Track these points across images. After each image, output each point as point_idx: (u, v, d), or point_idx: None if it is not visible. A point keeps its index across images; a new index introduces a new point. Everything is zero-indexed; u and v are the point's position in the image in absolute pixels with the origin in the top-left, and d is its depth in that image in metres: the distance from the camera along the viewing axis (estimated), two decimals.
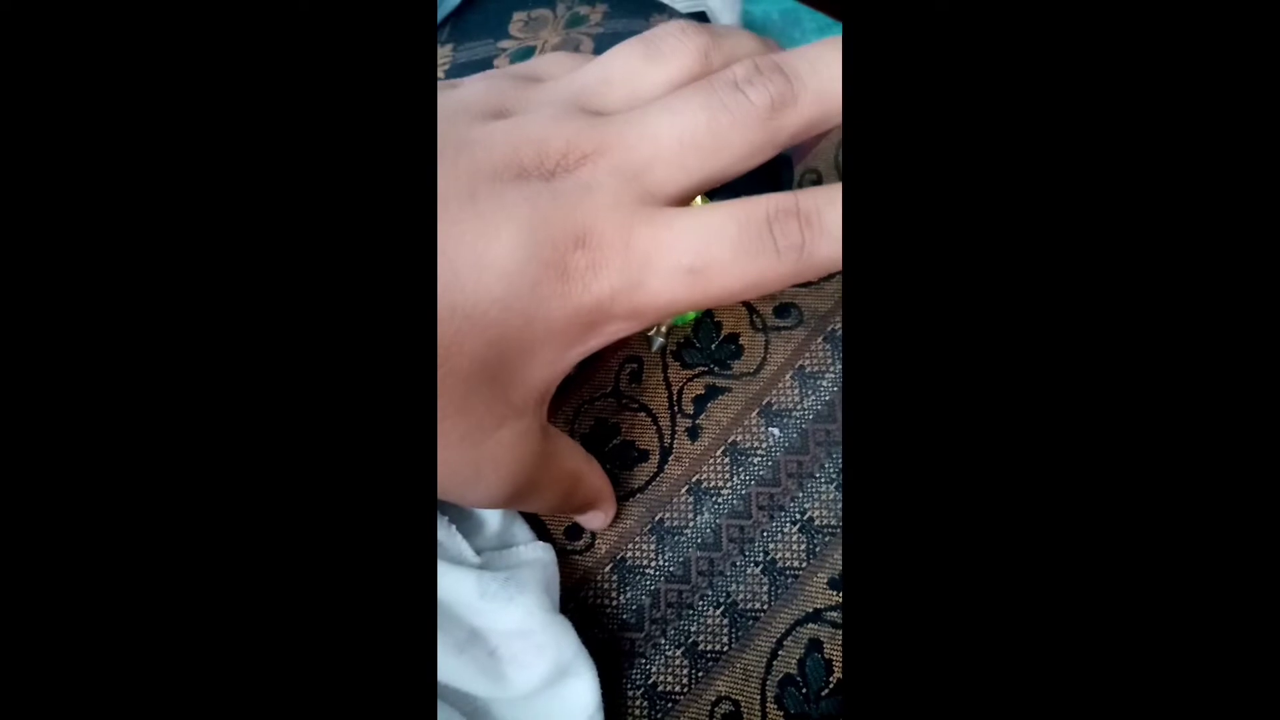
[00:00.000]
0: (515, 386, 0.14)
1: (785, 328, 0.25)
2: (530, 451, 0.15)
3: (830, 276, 0.25)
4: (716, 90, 0.14)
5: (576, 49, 0.33)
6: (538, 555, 0.21)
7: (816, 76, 0.14)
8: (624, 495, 0.23)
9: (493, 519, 0.20)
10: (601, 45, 0.32)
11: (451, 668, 0.18)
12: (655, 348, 0.25)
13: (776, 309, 0.25)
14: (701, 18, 0.65)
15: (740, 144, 0.14)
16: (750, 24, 0.61)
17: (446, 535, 0.19)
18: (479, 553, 0.20)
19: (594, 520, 0.22)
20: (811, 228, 0.13)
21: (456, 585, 0.18)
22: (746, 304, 0.25)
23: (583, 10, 0.34)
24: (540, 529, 0.23)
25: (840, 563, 0.22)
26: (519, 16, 0.34)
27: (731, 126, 0.14)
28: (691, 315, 0.25)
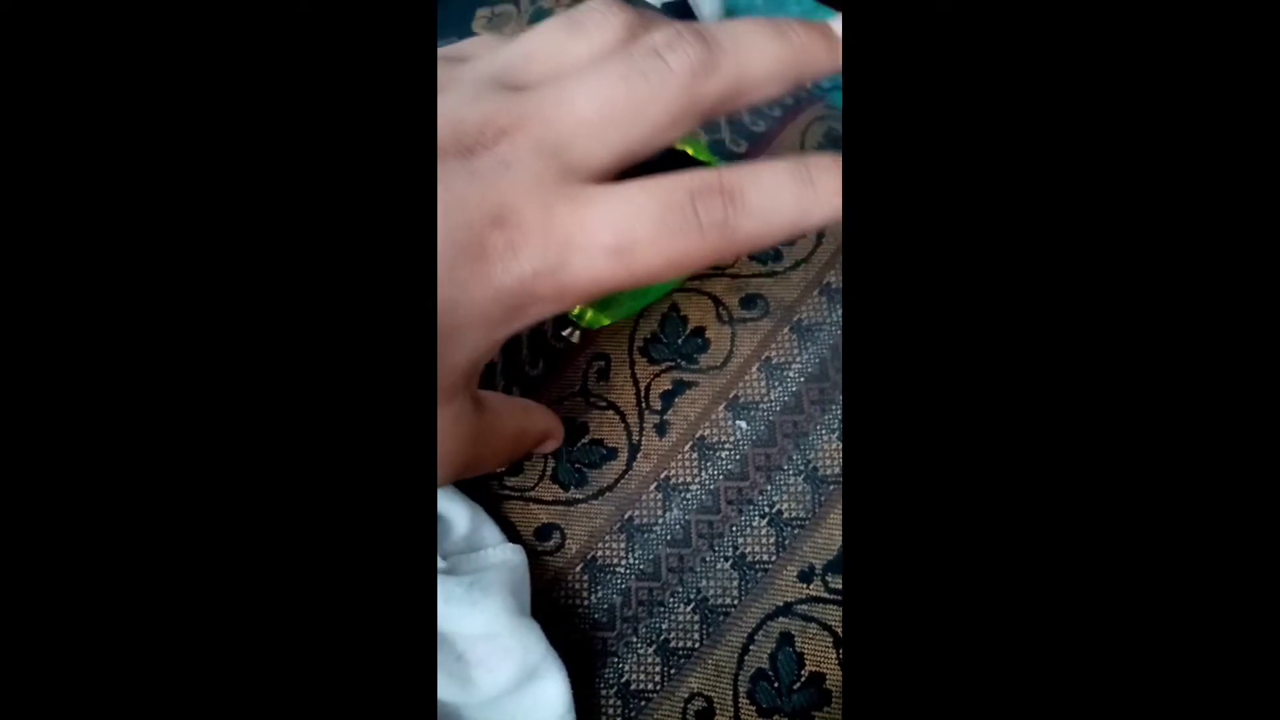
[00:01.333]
0: (442, 373, 0.13)
1: (751, 319, 0.24)
2: (466, 432, 0.15)
3: (796, 265, 0.25)
4: (635, 58, 0.14)
5: None
6: (506, 557, 0.21)
7: (737, 46, 0.14)
8: (594, 494, 0.23)
9: (460, 521, 0.20)
10: None
11: None
12: (568, 332, 0.24)
13: (743, 300, 0.25)
14: (683, 9, 0.64)
15: (660, 112, 0.14)
16: (733, 12, 0.61)
17: None
18: (445, 557, 0.20)
19: (548, 448, 0.22)
20: (735, 204, 0.13)
21: None
22: (712, 296, 0.25)
23: (546, 4, 0.34)
24: (510, 531, 0.23)
25: (809, 555, 0.22)
26: (482, 13, 0.34)
27: (651, 95, 0.14)
28: (622, 312, 0.24)
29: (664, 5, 0.65)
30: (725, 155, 0.27)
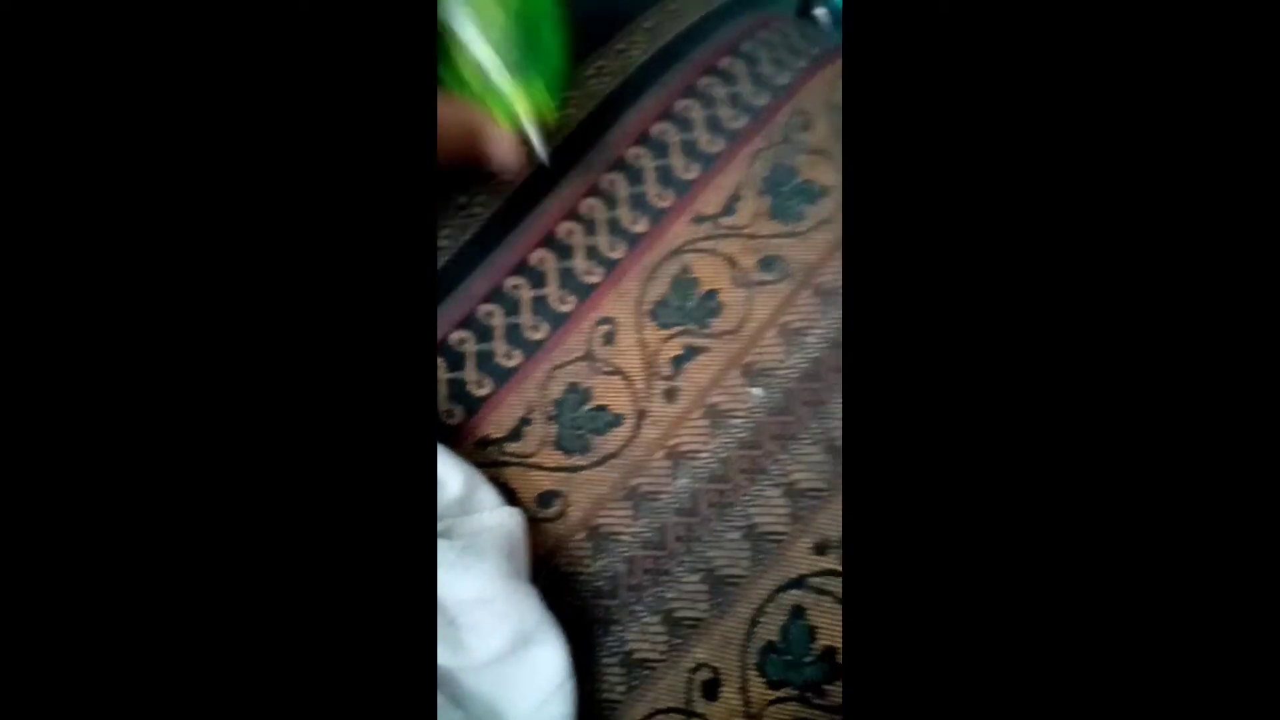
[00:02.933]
0: None
1: (770, 281, 0.23)
2: None
3: (819, 225, 0.24)
4: None
5: None
6: (501, 521, 0.20)
7: None
8: (597, 460, 0.22)
9: (454, 484, 0.20)
10: None
11: None
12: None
13: (761, 262, 0.23)
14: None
15: None
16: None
17: None
18: (439, 519, 0.19)
19: (502, 146, 0.22)
20: None
21: None
22: (727, 257, 0.24)
23: None
24: (511, 498, 0.22)
25: (824, 527, 0.21)
26: None
27: None
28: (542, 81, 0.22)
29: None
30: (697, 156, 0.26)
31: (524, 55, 0.21)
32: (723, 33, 0.28)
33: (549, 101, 0.22)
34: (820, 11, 0.71)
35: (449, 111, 0.20)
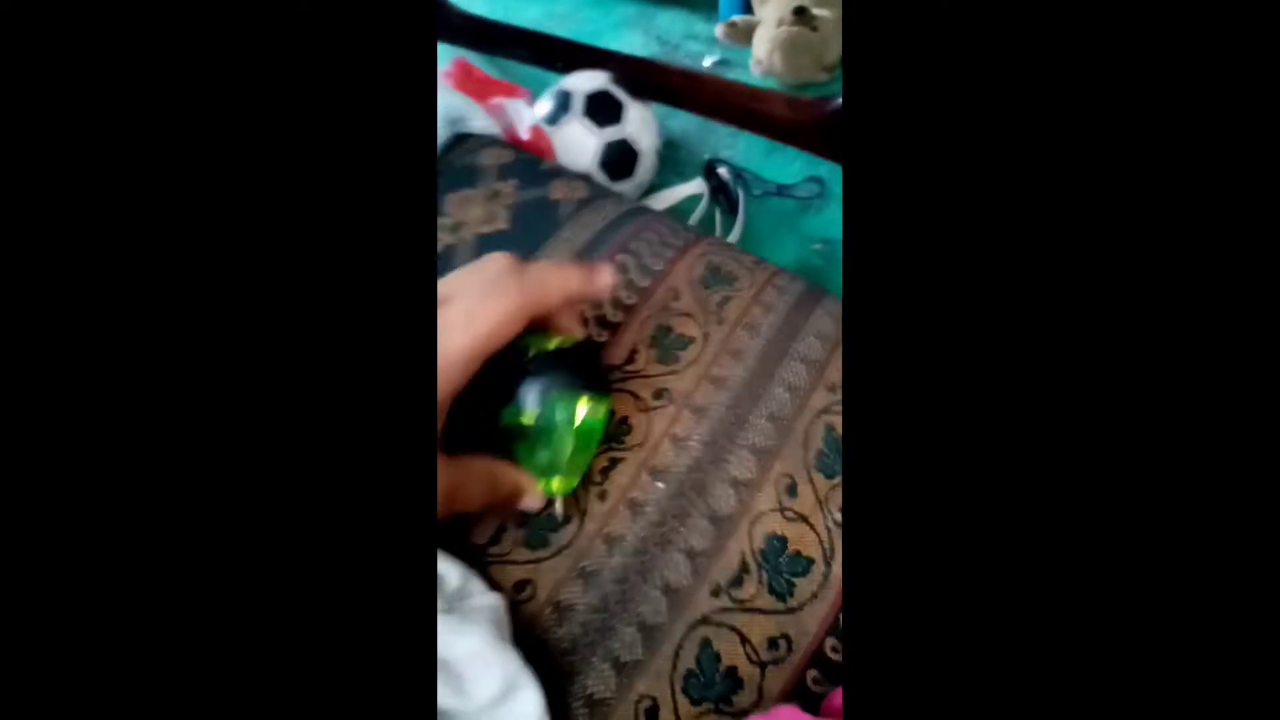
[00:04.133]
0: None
1: (660, 406, 0.33)
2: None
3: (689, 365, 0.34)
4: None
5: (494, 218, 0.43)
6: (489, 601, 0.28)
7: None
8: (555, 552, 0.31)
9: (453, 578, 0.28)
10: (515, 215, 0.42)
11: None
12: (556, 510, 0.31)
13: (654, 394, 0.34)
14: (624, 146, 0.78)
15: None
16: (671, 138, 0.75)
17: None
18: (444, 603, 0.27)
19: (531, 505, 0.29)
20: None
21: None
22: (633, 393, 0.34)
23: (497, 185, 0.45)
24: (493, 587, 0.30)
25: (716, 576, 0.29)
26: (453, 197, 0.45)
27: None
28: (577, 473, 0.30)
29: (606, 145, 0.78)
30: (631, 286, 0.37)
31: (576, 459, 0.29)
32: (619, 236, 0.40)
33: (573, 484, 0.31)
34: (722, 170, 0.88)
35: (503, 474, 0.28)
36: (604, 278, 0.29)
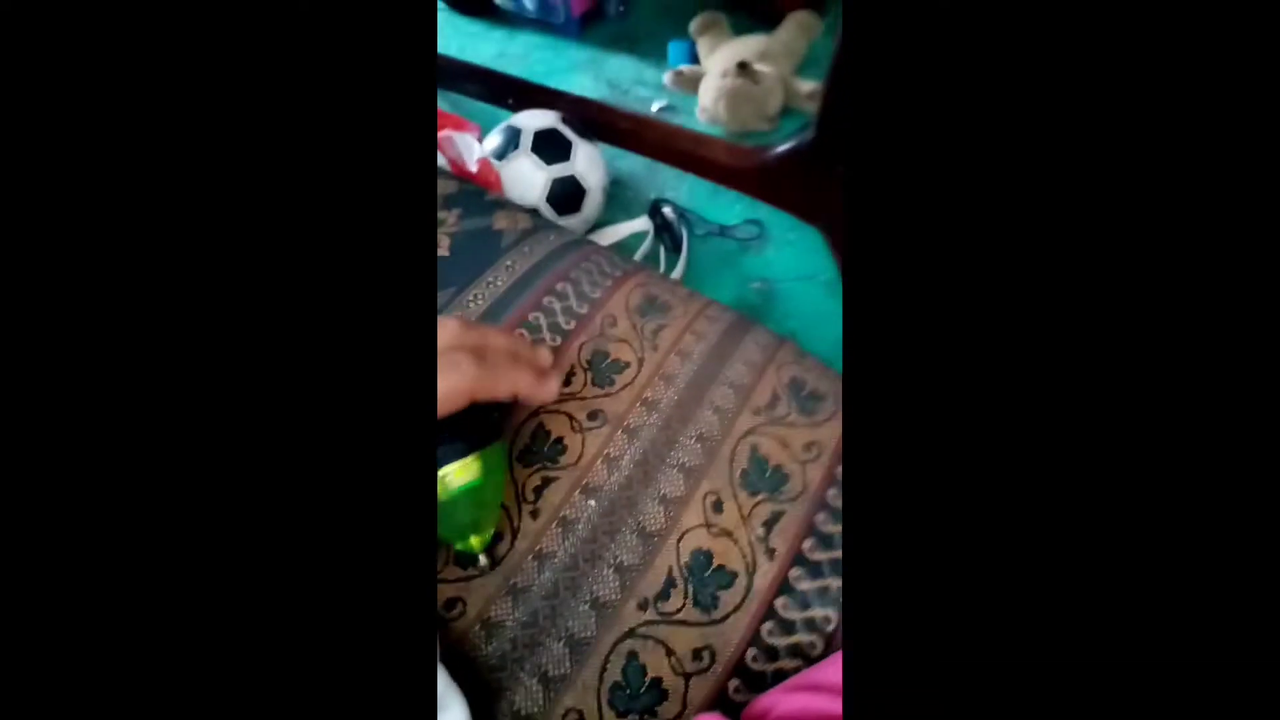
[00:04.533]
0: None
1: (595, 427, 0.34)
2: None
3: (624, 387, 0.36)
4: None
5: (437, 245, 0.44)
6: None
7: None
8: (486, 569, 0.31)
9: None
10: (456, 243, 0.43)
11: None
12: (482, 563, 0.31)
13: (588, 414, 0.35)
14: (572, 183, 0.80)
15: None
16: (618, 178, 0.77)
17: None
18: None
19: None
20: None
21: None
22: (568, 414, 0.35)
23: (441, 215, 0.46)
24: None
25: (643, 590, 0.30)
26: None
27: None
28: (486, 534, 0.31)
29: (554, 180, 0.81)
30: (568, 311, 0.39)
31: (478, 515, 0.30)
32: (560, 265, 0.42)
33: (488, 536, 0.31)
34: (667, 210, 0.91)
35: None
36: (552, 388, 0.31)
